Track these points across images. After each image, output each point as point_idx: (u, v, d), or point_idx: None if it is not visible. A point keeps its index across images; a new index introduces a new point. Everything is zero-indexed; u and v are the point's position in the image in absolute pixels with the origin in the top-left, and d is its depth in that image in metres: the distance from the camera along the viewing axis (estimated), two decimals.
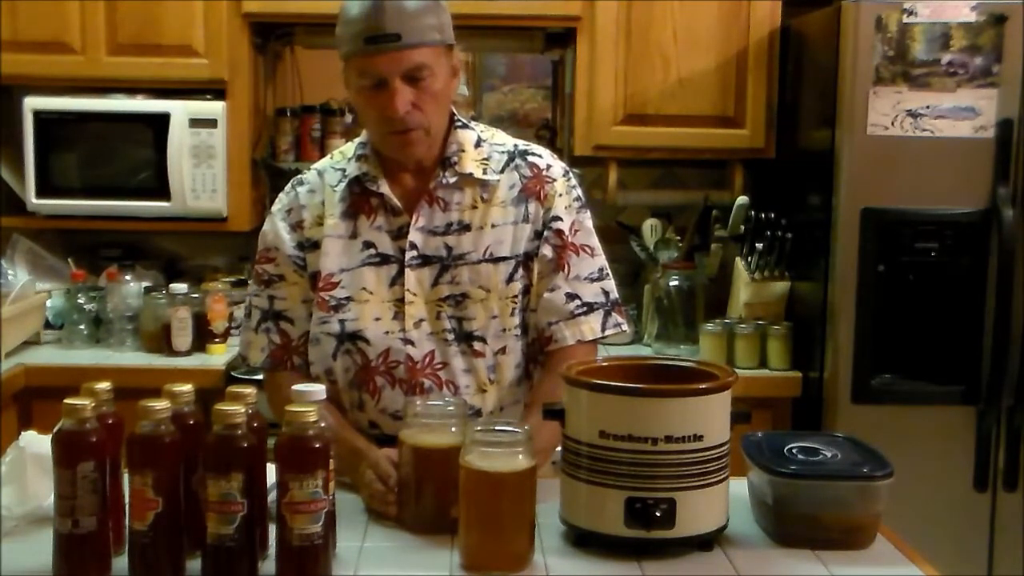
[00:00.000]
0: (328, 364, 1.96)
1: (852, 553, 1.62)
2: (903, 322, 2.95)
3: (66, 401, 1.45)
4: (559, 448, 1.66)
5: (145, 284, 3.35)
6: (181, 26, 3.27)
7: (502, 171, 1.98)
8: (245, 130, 3.35)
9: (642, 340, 3.41)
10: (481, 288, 1.93)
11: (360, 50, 1.83)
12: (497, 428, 1.58)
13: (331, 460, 1.47)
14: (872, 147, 2.90)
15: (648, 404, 1.56)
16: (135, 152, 3.32)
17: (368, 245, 1.96)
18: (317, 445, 1.44)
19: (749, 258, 3.26)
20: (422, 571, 1.53)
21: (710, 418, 1.58)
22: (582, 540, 1.61)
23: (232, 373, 3.03)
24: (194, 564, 1.47)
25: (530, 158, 2.01)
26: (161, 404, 1.44)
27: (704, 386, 1.60)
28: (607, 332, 1.99)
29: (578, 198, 2.02)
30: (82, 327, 3.28)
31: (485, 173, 1.97)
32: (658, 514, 1.54)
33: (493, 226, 1.95)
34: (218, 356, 3.18)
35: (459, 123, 1.99)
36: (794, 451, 1.70)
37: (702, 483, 1.56)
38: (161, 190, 3.29)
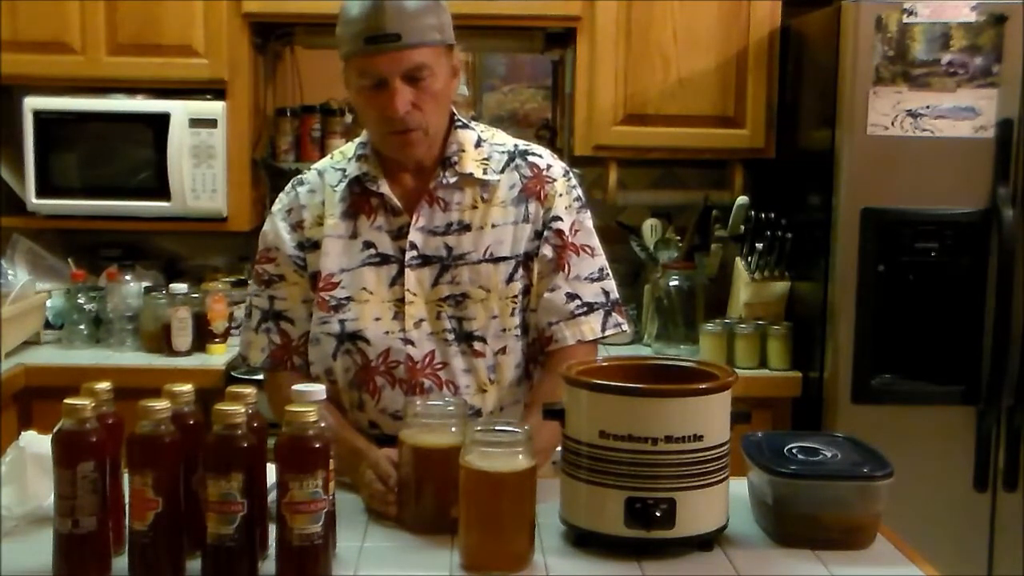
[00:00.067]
0: (328, 364, 1.96)
1: (852, 553, 1.62)
2: (903, 322, 2.95)
3: (66, 401, 1.45)
4: (559, 448, 1.66)
5: (145, 284, 3.35)
6: (181, 26, 3.27)
7: (502, 171, 1.98)
8: (245, 130, 3.35)
9: (642, 340, 3.41)
10: (481, 288, 1.93)
11: (360, 50, 1.83)
12: (497, 428, 1.58)
13: (331, 460, 1.47)
14: (872, 147, 2.90)
15: (648, 404, 1.56)
16: (135, 152, 3.32)
17: (368, 245, 1.96)
18: (317, 445, 1.44)
19: (749, 258, 3.26)
20: (422, 571, 1.53)
21: (710, 418, 1.58)
22: (582, 540, 1.61)
23: (232, 373, 3.03)
24: (194, 564, 1.47)
25: (530, 158, 2.01)
26: (161, 404, 1.44)
27: (704, 386, 1.60)
28: (607, 332, 1.99)
29: (578, 198, 2.02)
30: (82, 327, 3.28)
31: (485, 173, 1.97)
32: (658, 514, 1.54)
33: (493, 226, 1.95)
34: (218, 356, 3.18)
35: (459, 123, 1.99)
36: (794, 451, 1.70)
37: (702, 483, 1.56)
38: (161, 190, 3.29)
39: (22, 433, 1.71)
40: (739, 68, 3.32)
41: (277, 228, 2.00)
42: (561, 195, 1.99)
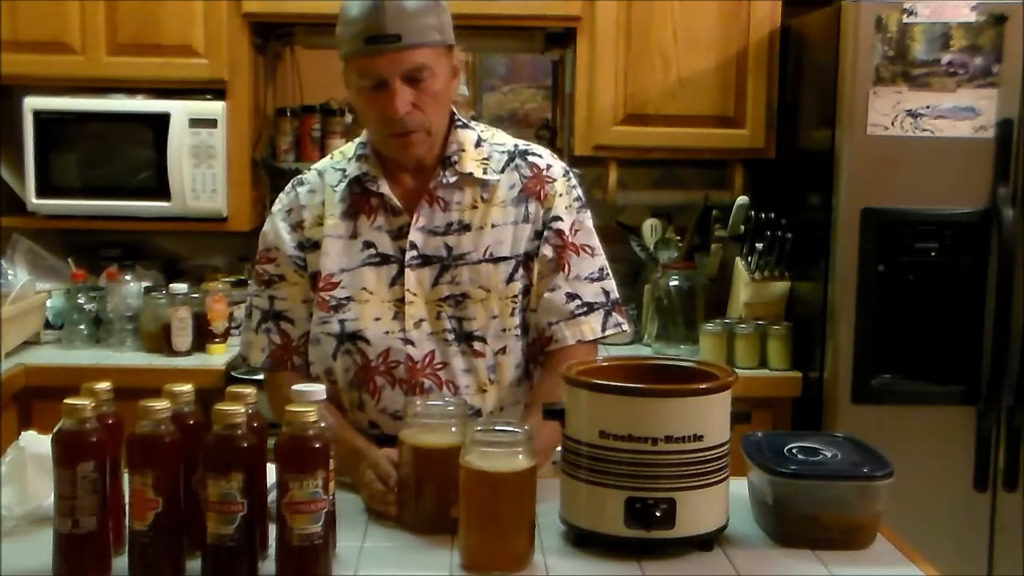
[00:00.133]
0: (328, 364, 1.96)
1: (852, 553, 1.62)
2: (903, 322, 2.95)
3: (66, 401, 1.45)
4: (559, 448, 1.66)
5: (145, 284, 3.35)
6: (181, 26, 3.27)
7: (502, 171, 1.98)
8: (245, 130, 3.35)
9: (642, 340, 3.41)
10: (481, 288, 1.93)
11: (360, 50, 1.83)
12: (497, 428, 1.58)
13: (331, 460, 1.47)
14: (872, 147, 2.89)
15: (648, 404, 1.56)
16: (135, 152, 3.32)
17: (368, 245, 1.96)
18: (317, 445, 1.44)
19: (749, 258, 3.26)
20: (422, 571, 1.53)
21: (710, 418, 1.58)
22: (582, 540, 1.61)
23: (232, 373, 3.03)
24: (194, 564, 1.47)
25: (530, 158, 2.01)
26: (161, 404, 1.44)
27: (704, 386, 1.60)
28: (607, 332, 1.99)
29: (578, 198, 2.02)
30: (82, 327, 3.28)
31: (485, 173, 1.97)
32: (658, 514, 1.54)
33: (493, 226, 1.95)
34: (218, 356, 3.18)
35: (459, 123, 1.99)
36: (794, 451, 1.70)
37: (702, 483, 1.56)
38: (161, 190, 3.29)
39: (22, 433, 1.71)
40: (739, 68, 3.32)
41: (277, 228, 2.00)
42: (561, 195, 1.99)
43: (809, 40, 3.24)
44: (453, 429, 1.66)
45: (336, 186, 1.98)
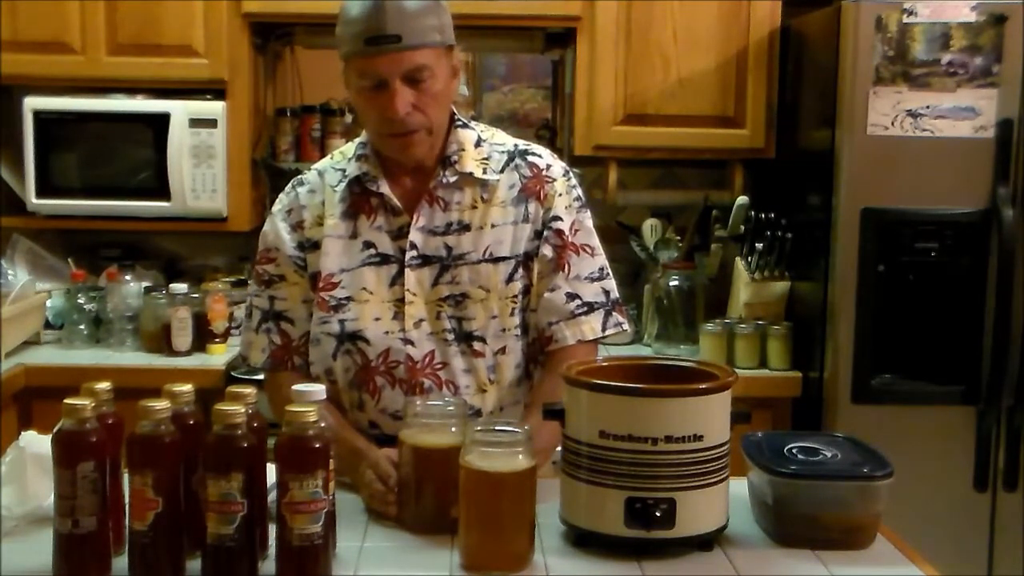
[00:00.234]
0: (328, 364, 1.96)
1: (852, 553, 1.62)
2: (903, 322, 2.95)
3: (66, 401, 1.45)
4: (559, 448, 1.66)
5: (145, 284, 3.35)
6: (181, 26, 3.27)
7: (502, 171, 1.98)
8: (245, 130, 3.35)
9: (642, 340, 3.41)
10: (481, 288, 1.93)
11: (360, 51, 1.83)
12: (497, 428, 1.58)
13: (331, 460, 1.47)
14: (872, 147, 2.89)
15: (648, 404, 1.56)
16: (135, 152, 3.32)
17: (368, 245, 1.96)
18: (317, 445, 1.44)
19: (749, 258, 3.26)
20: (422, 571, 1.53)
21: (710, 418, 1.58)
22: (582, 540, 1.61)
23: (232, 373, 3.03)
24: (194, 564, 1.47)
25: (530, 158, 2.01)
26: (161, 404, 1.44)
27: (704, 386, 1.60)
28: (608, 332, 1.99)
29: (578, 198, 2.02)
30: (82, 327, 3.28)
31: (485, 173, 1.97)
32: (658, 514, 1.54)
33: (493, 226, 1.95)
34: (218, 356, 3.18)
35: (459, 123, 1.99)
36: (794, 451, 1.70)
37: (702, 483, 1.56)
38: (161, 190, 3.29)
39: (22, 433, 1.71)
40: (739, 68, 3.32)
41: (277, 228, 2.00)
42: (561, 195, 1.99)
43: (809, 40, 3.24)
44: (453, 429, 1.66)
45: (336, 186, 1.98)
